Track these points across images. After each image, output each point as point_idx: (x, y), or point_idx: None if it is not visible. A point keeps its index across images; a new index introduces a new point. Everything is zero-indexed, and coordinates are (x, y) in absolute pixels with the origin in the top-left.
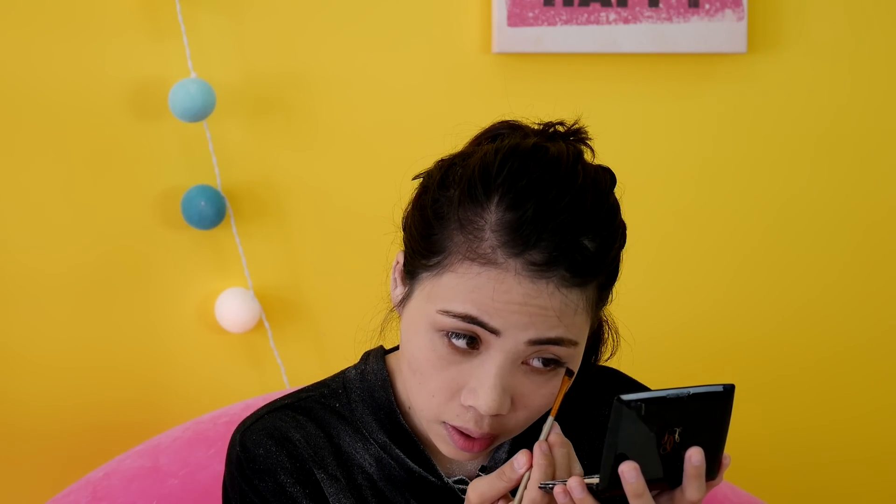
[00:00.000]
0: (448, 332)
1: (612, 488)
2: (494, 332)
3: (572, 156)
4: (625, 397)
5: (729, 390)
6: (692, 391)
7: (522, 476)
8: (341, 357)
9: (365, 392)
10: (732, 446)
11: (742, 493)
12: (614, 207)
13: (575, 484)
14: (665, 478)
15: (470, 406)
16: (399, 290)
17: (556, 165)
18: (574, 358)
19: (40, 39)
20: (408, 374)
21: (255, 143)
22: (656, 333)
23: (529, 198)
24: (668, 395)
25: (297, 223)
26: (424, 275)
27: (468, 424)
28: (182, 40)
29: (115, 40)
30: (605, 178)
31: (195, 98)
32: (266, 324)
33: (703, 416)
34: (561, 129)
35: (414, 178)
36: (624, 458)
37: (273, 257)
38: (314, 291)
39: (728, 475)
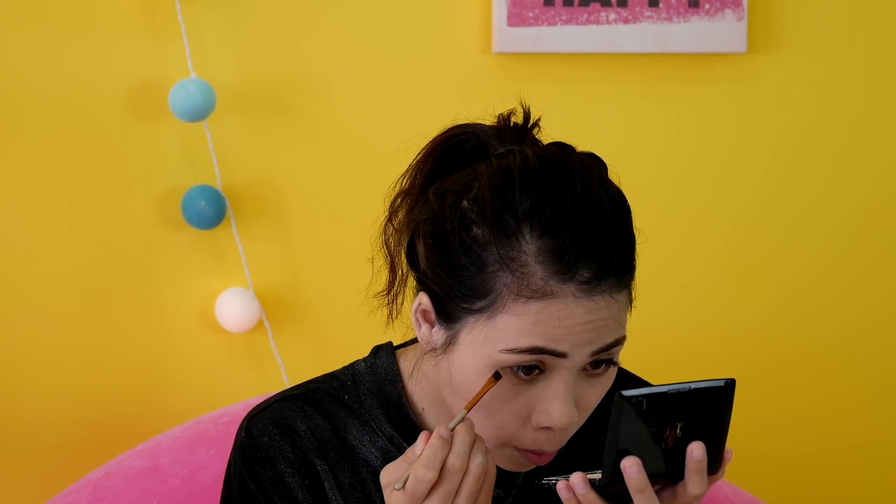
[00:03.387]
0: (513, 367)
1: (614, 484)
2: (562, 355)
3: (573, 158)
4: (626, 393)
5: (730, 385)
6: (693, 386)
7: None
8: (341, 357)
9: (374, 385)
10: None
11: (742, 492)
12: (622, 196)
13: (577, 479)
14: (667, 472)
15: (544, 427)
16: (427, 332)
17: (570, 178)
18: (621, 350)
19: (40, 40)
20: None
21: (255, 143)
22: (656, 333)
23: (562, 224)
24: (669, 390)
25: (297, 223)
26: (470, 319)
27: (543, 446)
28: (182, 40)
29: (115, 41)
30: (602, 168)
31: (195, 98)
32: (266, 324)
33: (705, 410)
34: (517, 120)
35: (391, 215)
36: (626, 453)
37: (273, 257)
38: (314, 291)
39: (727, 475)
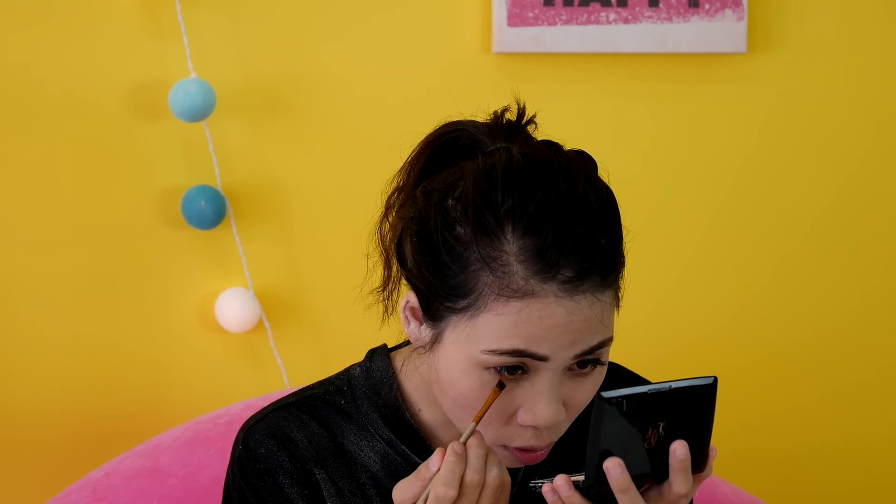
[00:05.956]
0: (496, 367)
1: (598, 485)
2: (542, 359)
3: (559, 155)
4: (605, 394)
5: (711, 383)
6: (673, 385)
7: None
8: (341, 357)
9: (370, 389)
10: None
11: (741, 492)
12: (609, 194)
13: (561, 482)
14: (652, 472)
15: (529, 425)
16: (416, 329)
17: (554, 176)
18: (609, 350)
19: (40, 40)
20: (455, 408)
21: (255, 143)
22: (647, 330)
23: (544, 222)
24: (650, 390)
25: (297, 223)
26: (454, 318)
27: (531, 442)
28: (182, 40)
29: (115, 40)
30: (590, 165)
31: (195, 98)
32: (266, 324)
33: (687, 409)
34: (511, 116)
35: (386, 211)
36: (608, 454)
37: (273, 257)
38: (314, 291)
39: (732, 477)
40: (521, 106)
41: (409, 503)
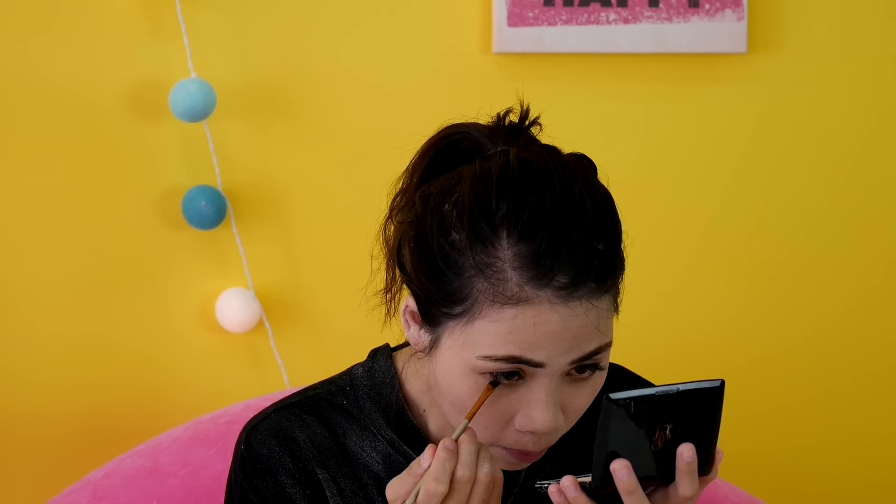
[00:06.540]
0: (492, 373)
1: (604, 486)
2: (538, 365)
3: (556, 160)
4: (613, 396)
5: (719, 386)
6: (681, 388)
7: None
8: (341, 357)
9: (373, 389)
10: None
11: (741, 492)
12: (608, 198)
13: (568, 483)
14: (658, 474)
15: (527, 431)
16: (416, 333)
17: (550, 181)
18: (608, 355)
19: (40, 39)
20: (453, 412)
21: (255, 143)
22: (656, 338)
23: (539, 227)
24: (658, 392)
25: (297, 223)
26: (450, 324)
27: (527, 446)
28: (182, 40)
29: (116, 40)
30: (589, 169)
31: (195, 98)
32: (266, 324)
33: (694, 412)
34: (513, 118)
35: (391, 213)
36: (615, 456)
37: (273, 257)
38: (314, 291)
39: (732, 477)
40: (525, 108)
41: (400, 500)
